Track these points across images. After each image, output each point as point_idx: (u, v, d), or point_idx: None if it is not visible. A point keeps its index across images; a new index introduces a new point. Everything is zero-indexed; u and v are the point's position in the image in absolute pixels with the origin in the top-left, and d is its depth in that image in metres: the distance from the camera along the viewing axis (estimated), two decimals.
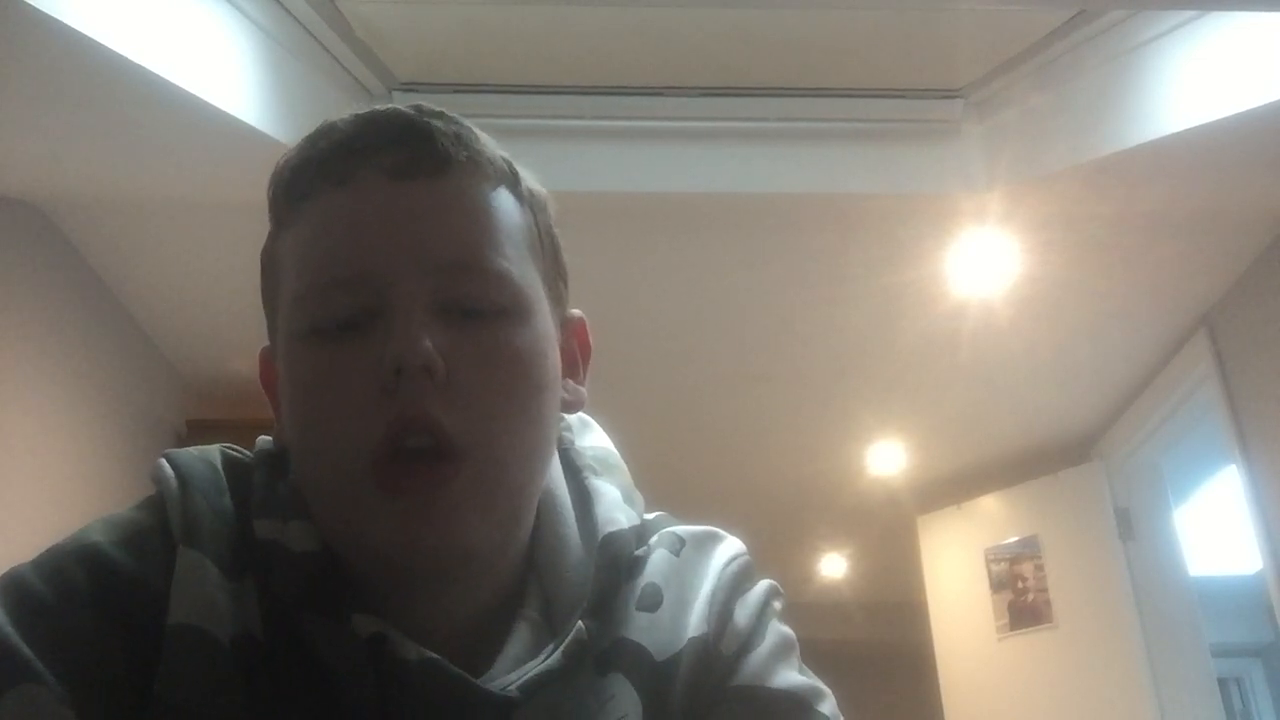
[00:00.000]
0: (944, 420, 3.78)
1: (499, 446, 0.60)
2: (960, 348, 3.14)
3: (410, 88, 2.55)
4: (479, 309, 0.61)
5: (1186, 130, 2.27)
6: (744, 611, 0.68)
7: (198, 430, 3.33)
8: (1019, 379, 3.47)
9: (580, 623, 0.62)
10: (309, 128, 0.65)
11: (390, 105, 0.66)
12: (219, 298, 2.93)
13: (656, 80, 2.56)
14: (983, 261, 2.77)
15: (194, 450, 0.67)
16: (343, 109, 0.67)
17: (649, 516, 0.73)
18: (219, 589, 0.59)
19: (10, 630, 0.54)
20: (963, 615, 4.20)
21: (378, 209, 0.62)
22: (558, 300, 0.69)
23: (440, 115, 0.65)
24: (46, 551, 0.60)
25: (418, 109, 0.65)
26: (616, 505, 0.70)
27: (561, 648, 0.61)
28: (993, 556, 4.11)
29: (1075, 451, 3.97)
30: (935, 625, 4.33)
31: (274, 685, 0.58)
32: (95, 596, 0.57)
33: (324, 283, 0.61)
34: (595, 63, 2.54)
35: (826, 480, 4.20)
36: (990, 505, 4.19)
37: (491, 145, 0.68)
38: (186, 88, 2.06)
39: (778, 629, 0.69)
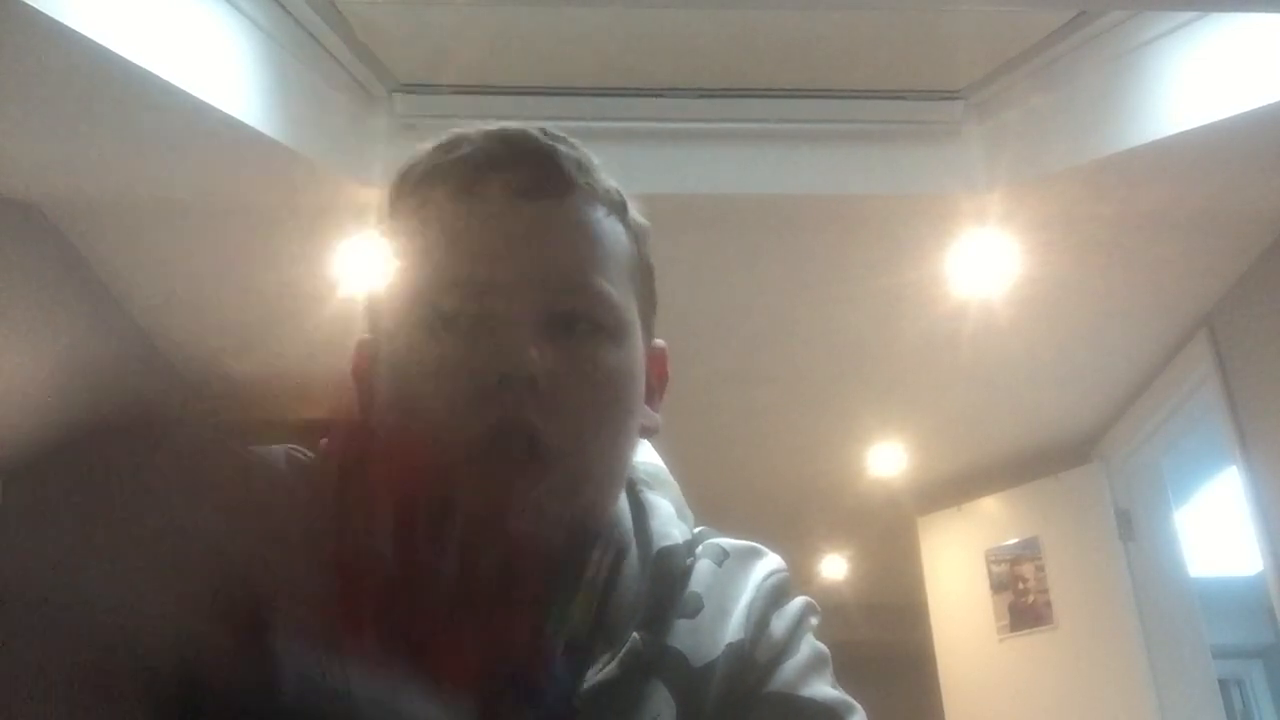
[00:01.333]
0: (944, 421, 3.78)
1: (585, 459, 0.64)
2: (961, 349, 3.14)
3: (410, 89, 2.55)
4: (581, 326, 0.65)
5: (1187, 131, 2.27)
6: (780, 623, 0.70)
7: None
8: (1019, 380, 3.47)
9: (635, 634, 0.64)
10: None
11: (520, 126, 0.69)
12: (219, 299, 2.93)
13: (657, 81, 2.56)
14: (983, 262, 2.76)
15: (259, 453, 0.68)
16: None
17: (696, 530, 0.76)
18: None
19: None
20: (963, 616, 4.19)
21: (500, 223, 0.65)
22: (648, 328, 0.73)
23: (564, 140, 0.69)
24: None
25: (544, 132, 0.69)
26: (671, 520, 0.73)
27: (618, 659, 0.63)
28: (993, 558, 4.11)
29: (1076, 452, 3.96)
30: (936, 626, 4.32)
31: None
32: None
33: (439, 282, 0.64)
34: (595, 64, 2.54)
35: (827, 481, 4.20)
36: (991, 506, 4.19)
37: (605, 173, 0.72)
38: (187, 89, 2.06)
39: (812, 643, 0.70)
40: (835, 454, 4.03)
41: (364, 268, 2.72)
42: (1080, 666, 3.70)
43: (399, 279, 0.68)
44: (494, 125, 0.69)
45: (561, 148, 0.68)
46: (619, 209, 0.71)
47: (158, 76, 2.00)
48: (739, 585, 0.71)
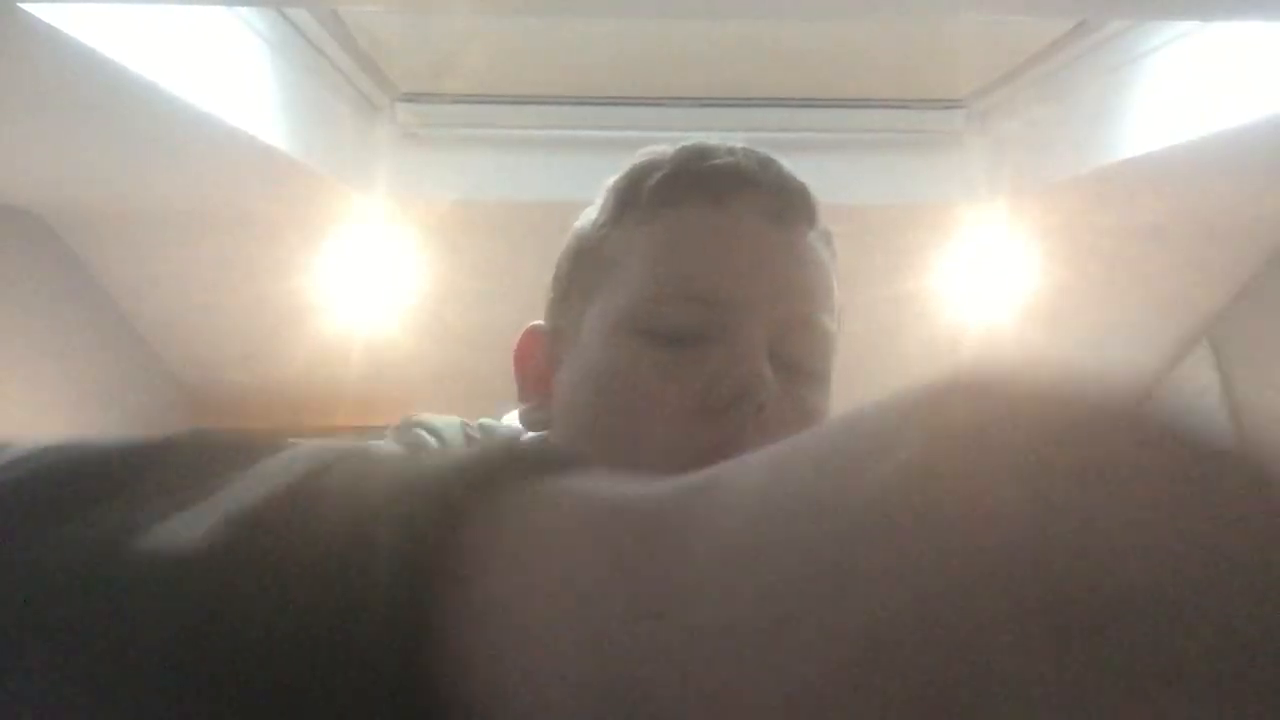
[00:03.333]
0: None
1: None
2: (962, 359, 3.14)
3: (413, 98, 2.56)
4: (802, 367, 0.62)
5: (1189, 141, 2.27)
6: None
7: None
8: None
9: None
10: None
11: (764, 150, 0.67)
12: (221, 308, 2.93)
13: (658, 91, 2.57)
14: (985, 272, 2.77)
15: (442, 420, 0.66)
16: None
17: None
18: None
19: None
20: None
21: (749, 241, 0.63)
22: None
23: (802, 178, 0.68)
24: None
25: (783, 162, 0.68)
26: None
27: None
28: None
29: None
30: None
31: None
32: None
33: (679, 290, 0.61)
34: (597, 73, 2.55)
35: None
36: None
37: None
38: (188, 98, 2.06)
39: None
40: None
41: (366, 276, 2.73)
42: None
43: (622, 277, 0.64)
44: (735, 142, 0.67)
45: (803, 181, 0.68)
46: (834, 255, 0.70)
47: (159, 86, 2.00)
48: None
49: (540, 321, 0.70)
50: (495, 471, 0.24)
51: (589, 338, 0.64)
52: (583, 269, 0.67)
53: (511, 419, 0.71)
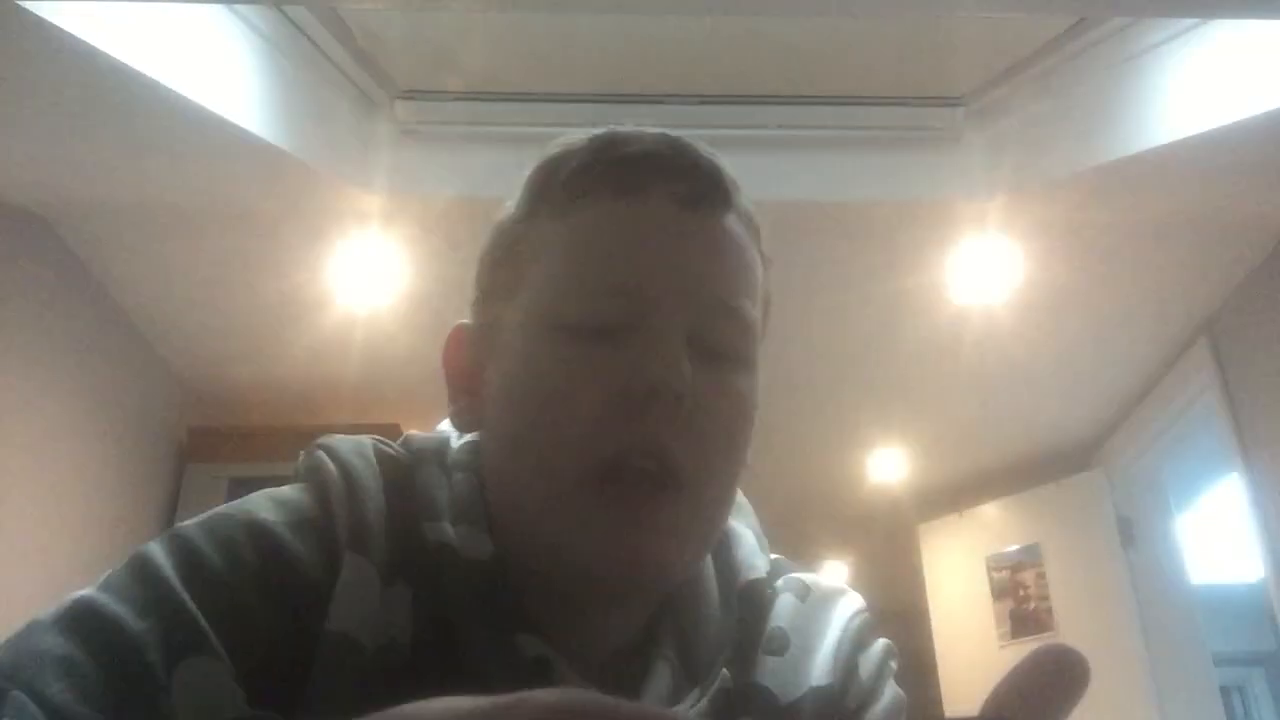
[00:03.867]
0: (945, 428, 3.78)
1: (712, 487, 0.61)
2: (961, 355, 3.14)
3: (412, 95, 2.56)
4: (724, 353, 0.62)
5: (1187, 138, 2.27)
6: (867, 667, 0.69)
7: (200, 438, 3.33)
8: (1020, 386, 3.47)
9: (724, 670, 0.63)
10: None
11: (677, 134, 0.66)
12: (221, 306, 2.93)
13: (658, 88, 2.57)
14: (984, 269, 2.77)
15: (348, 442, 0.65)
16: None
17: (773, 558, 0.74)
18: (377, 597, 0.57)
19: (185, 596, 0.52)
20: (964, 623, 4.19)
21: (663, 230, 0.62)
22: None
23: (719, 156, 0.66)
24: (211, 516, 0.58)
25: (702, 144, 0.66)
26: (755, 551, 0.71)
27: (709, 695, 0.61)
28: (994, 564, 4.11)
29: (1076, 459, 3.96)
30: (937, 633, 4.32)
31: (417, 695, 0.57)
32: (264, 579, 0.55)
33: (593, 284, 0.61)
34: (597, 70, 2.55)
35: (828, 487, 4.20)
36: (991, 513, 4.19)
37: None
38: (189, 95, 2.06)
39: (893, 689, 0.70)
40: (836, 460, 4.03)
41: (365, 274, 2.73)
42: None
43: (539, 273, 0.63)
44: (651, 128, 0.66)
45: (721, 163, 0.66)
46: (756, 235, 0.68)
47: (160, 83, 2.01)
48: (823, 624, 0.69)
49: (467, 320, 0.70)
50: None
51: (510, 335, 0.63)
52: (501, 266, 0.67)
53: (447, 423, 0.71)
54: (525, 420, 0.61)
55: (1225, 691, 5.39)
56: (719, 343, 0.62)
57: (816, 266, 2.83)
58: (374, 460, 0.64)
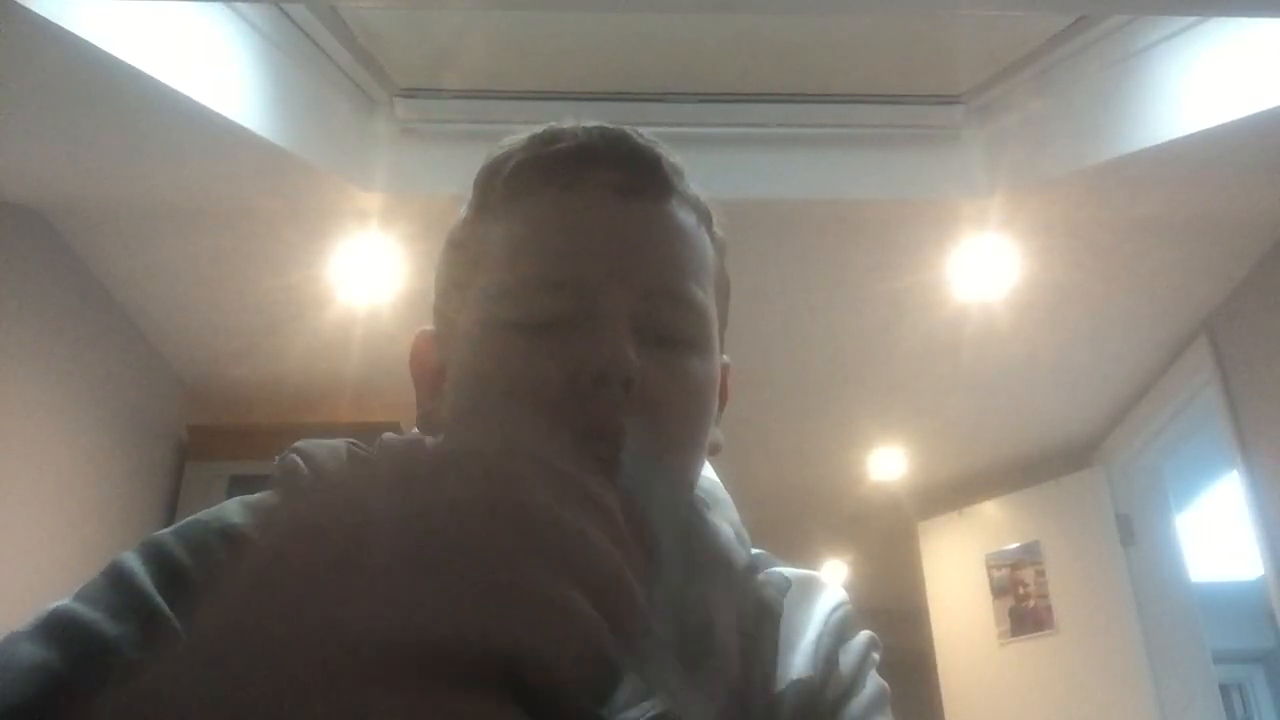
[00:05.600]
0: (945, 425, 3.78)
1: (671, 467, 0.61)
2: (961, 353, 3.14)
3: (411, 94, 2.56)
4: (673, 337, 0.62)
5: (1187, 135, 2.27)
6: (848, 659, 0.69)
7: (199, 436, 3.33)
8: (1020, 384, 3.47)
9: None
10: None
11: (617, 125, 0.66)
12: (221, 304, 2.93)
13: (657, 86, 2.57)
14: (983, 267, 2.77)
15: (323, 446, 0.66)
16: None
17: (753, 552, 0.74)
18: None
19: (159, 600, 0.53)
20: (964, 621, 4.19)
21: (600, 220, 0.63)
22: (721, 343, 0.70)
23: (659, 145, 0.67)
24: (186, 523, 0.59)
25: (639, 134, 0.66)
26: (732, 544, 0.71)
27: None
28: (994, 562, 4.11)
29: (1076, 457, 3.96)
30: (936, 631, 4.32)
31: None
32: None
33: (535, 279, 0.62)
34: (596, 69, 2.55)
35: (827, 486, 4.20)
36: (991, 511, 4.19)
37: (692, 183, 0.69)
38: (188, 94, 2.06)
39: (876, 679, 0.70)
40: (836, 458, 4.03)
41: (364, 272, 2.73)
42: (1081, 671, 3.70)
43: (485, 272, 0.64)
44: (589, 123, 0.66)
45: (660, 151, 0.66)
46: (706, 219, 0.69)
47: (159, 81, 2.00)
48: (804, 617, 0.70)
49: (429, 327, 0.71)
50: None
51: (464, 335, 0.64)
52: (453, 267, 0.68)
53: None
54: (480, 416, 0.62)
55: (1225, 689, 5.39)
56: (667, 327, 0.62)
57: (816, 265, 2.83)
58: (347, 464, 0.65)
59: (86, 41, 1.87)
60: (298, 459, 0.64)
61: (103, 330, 2.85)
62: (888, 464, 4.06)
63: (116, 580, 0.54)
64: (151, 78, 1.99)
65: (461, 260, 0.68)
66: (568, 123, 0.67)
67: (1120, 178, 2.43)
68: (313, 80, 2.39)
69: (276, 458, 0.66)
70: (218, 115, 2.12)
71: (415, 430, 0.71)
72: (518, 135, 0.68)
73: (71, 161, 2.27)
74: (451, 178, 2.47)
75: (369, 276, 2.73)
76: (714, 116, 2.57)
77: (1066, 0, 2.19)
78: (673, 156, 0.67)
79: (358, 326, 2.91)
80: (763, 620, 0.67)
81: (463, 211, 0.71)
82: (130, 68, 1.95)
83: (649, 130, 0.68)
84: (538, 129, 0.67)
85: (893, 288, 2.85)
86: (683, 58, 2.54)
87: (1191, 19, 2.26)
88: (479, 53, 2.49)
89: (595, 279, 0.61)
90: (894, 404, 3.63)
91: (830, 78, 2.59)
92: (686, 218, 0.66)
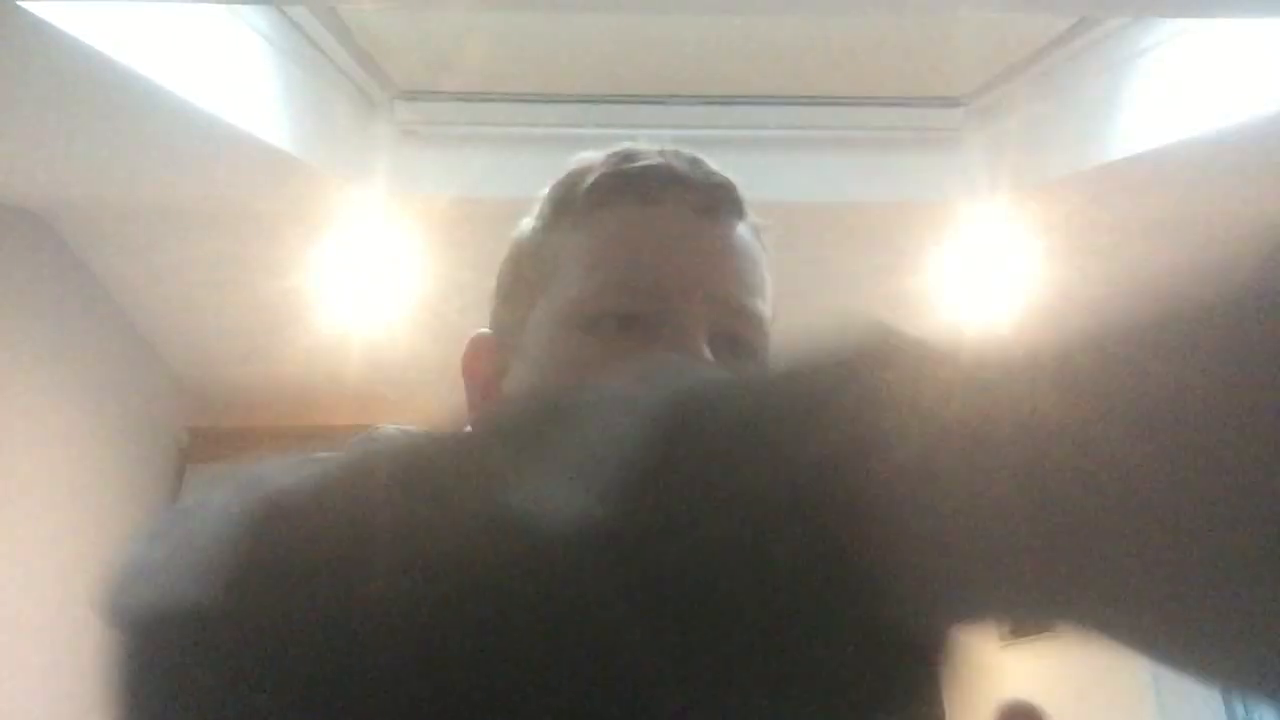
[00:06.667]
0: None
1: None
2: None
3: (412, 95, 2.56)
4: (741, 351, 0.64)
5: (1188, 138, 2.27)
6: None
7: (199, 438, 3.33)
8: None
9: None
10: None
11: (689, 151, 0.70)
12: (221, 306, 2.93)
13: (657, 88, 2.57)
14: (984, 269, 2.77)
15: (402, 433, 0.67)
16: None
17: None
18: None
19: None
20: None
21: (680, 235, 0.66)
22: None
23: (730, 175, 0.71)
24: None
25: (710, 162, 0.70)
26: None
27: None
28: None
29: None
30: None
31: None
32: None
33: (616, 284, 0.63)
34: (596, 71, 2.55)
35: None
36: None
37: None
38: (188, 96, 2.06)
39: None
40: None
41: (364, 274, 2.73)
42: (1082, 673, 3.69)
43: (561, 278, 0.66)
44: (665, 145, 0.70)
45: (730, 178, 0.70)
46: (765, 248, 0.72)
47: (159, 84, 2.00)
48: None
49: (485, 330, 0.72)
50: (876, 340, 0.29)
51: (534, 338, 0.66)
52: (523, 274, 0.70)
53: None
54: None
55: (1226, 691, 5.39)
56: (736, 341, 0.64)
57: (817, 267, 2.83)
58: None
59: (86, 44, 1.87)
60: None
61: (103, 332, 2.85)
62: None
63: None
64: (151, 80, 1.99)
65: (533, 266, 0.69)
66: (642, 144, 0.70)
67: (1122, 180, 2.43)
68: (313, 82, 2.39)
69: (352, 441, 0.65)
70: (217, 118, 2.12)
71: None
72: (591, 153, 0.71)
73: (72, 164, 2.27)
74: (451, 179, 2.48)
75: (369, 278, 2.73)
76: (714, 119, 2.57)
77: (1067, 2, 2.19)
78: (738, 187, 0.71)
79: (358, 328, 2.91)
80: None
81: (530, 221, 0.72)
82: (130, 70, 1.95)
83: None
84: (615, 148, 0.70)
85: (894, 290, 2.85)
86: (683, 60, 2.54)
87: (1192, 20, 2.26)
88: (479, 55, 2.49)
89: (675, 286, 0.63)
90: None
91: (831, 80, 2.58)
92: (755, 242, 0.70)
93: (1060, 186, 2.49)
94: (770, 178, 2.57)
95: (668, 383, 0.29)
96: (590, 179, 0.68)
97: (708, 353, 0.61)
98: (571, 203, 0.68)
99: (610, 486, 0.26)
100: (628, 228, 0.66)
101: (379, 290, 2.77)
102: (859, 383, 0.27)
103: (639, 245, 0.65)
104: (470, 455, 0.30)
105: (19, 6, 1.75)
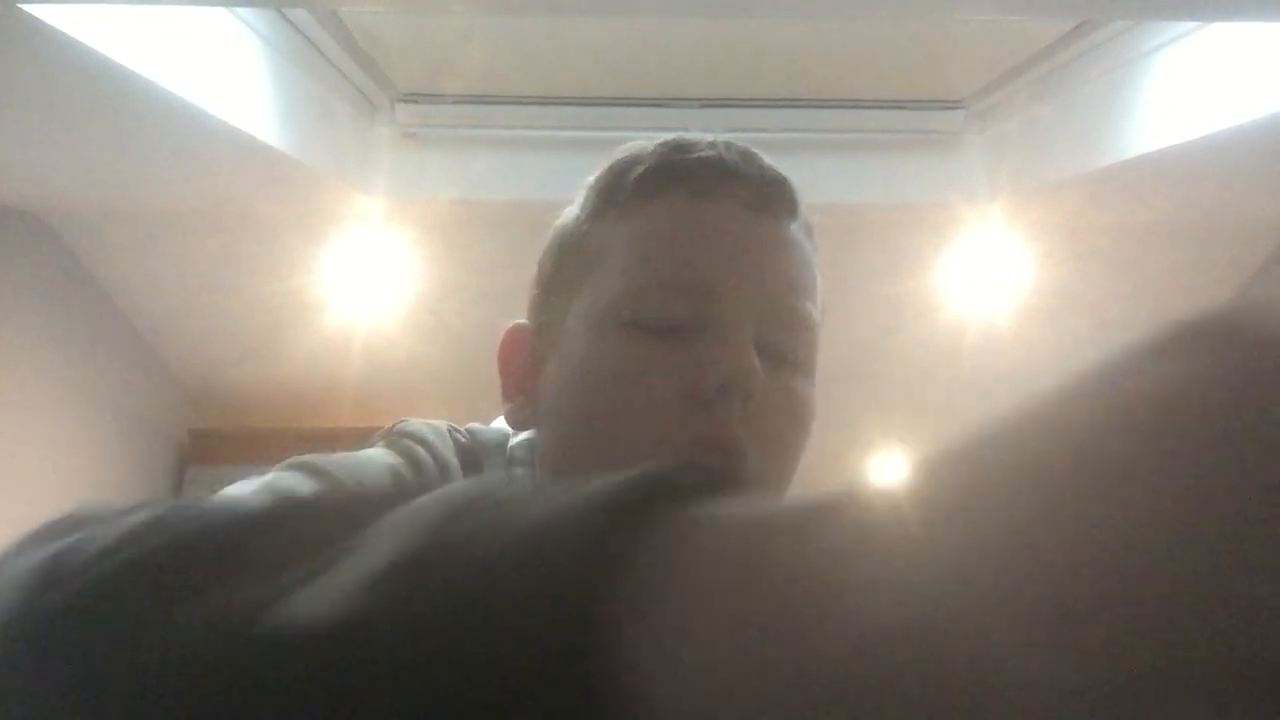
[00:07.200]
0: (946, 431, 3.77)
1: (769, 488, 0.61)
2: (962, 358, 3.14)
3: (413, 98, 2.56)
4: (787, 356, 0.63)
5: (1189, 141, 2.27)
6: None
7: (200, 440, 3.33)
8: (1021, 390, 3.45)
9: None
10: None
11: (743, 144, 0.67)
12: (221, 308, 2.93)
13: (658, 91, 2.57)
14: (984, 272, 2.77)
15: (428, 425, 0.66)
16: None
17: None
18: None
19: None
20: None
21: (731, 231, 0.63)
22: None
23: (780, 168, 0.68)
24: (338, 458, 0.60)
25: (764, 156, 0.67)
26: None
27: None
28: None
29: None
30: None
31: None
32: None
33: (663, 282, 0.61)
34: (597, 74, 2.55)
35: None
36: None
37: None
38: (189, 99, 2.06)
39: None
40: (835, 463, 4.03)
41: (365, 276, 2.73)
42: None
43: (606, 271, 0.63)
44: (716, 135, 0.67)
45: (783, 173, 0.67)
46: (814, 244, 0.70)
47: (160, 86, 2.00)
48: None
49: (523, 320, 0.70)
50: (637, 507, 0.24)
51: (574, 332, 0.63)
52: (566, 265, 0.67)
53: (501, 421, 0.71)
54: (591, 415, 0.61)
55: None
56: (784, 345, 0.62)
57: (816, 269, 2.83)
58: (451, 445, 0.65)
59: (88, 47, 1.87)
60: (414, 445, 0.64)
61: (104, 335, 2.85)
62: (889, 469, 4.05)
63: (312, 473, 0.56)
64: (153, 83, 1.99)
65: (576, 257, 0.66)
66: (694, 134, 0.67)
67: (1122, 183, 2.43)
68: (314, 85, 2.40)
69: (378, 436, 0.66)
70: (219, 120, 2.12)
71: (498, 422, 0.70)
72: (640, 142, 0.67)
73: (73, 166, 2.27)
74: (452, 182, 2.48)
75: (370, 281, 2.73)
76: (714, 121, 2.57)
77: (1067, 5, 2.19)
78: (792, 183, 0.68)
79: (358, 331, 2.91)
80: None
81: (575, 210, 0.69)
82: (131, 73, 1.95)
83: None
84: (664, 136, 0.67)
85: (894, 293, 2.85)
86: (683, 63, 2.54)
87: (1193, 24, 2.26)
88: (480, 58, 2.49)
89: (724, 287, 0.61)
90: (894, 409, 3.62)
91: (831, 83, 2.59)
92: (806, 241, 0.68)
93: (1060, 189, 2.49)
94: None
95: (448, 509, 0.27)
96: (639, 169, 0.65)
97: (754, 358, 0.58)
98: (619, 193, 0.66)
99: (349, 600, 0.25)
100: (675, 223, 0.63)
101: (379, 292, 2.77)
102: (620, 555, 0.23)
103: (686, 241, 0.62)
104: (244, 550, 0.29)
105: (20, 9, 1.76)
